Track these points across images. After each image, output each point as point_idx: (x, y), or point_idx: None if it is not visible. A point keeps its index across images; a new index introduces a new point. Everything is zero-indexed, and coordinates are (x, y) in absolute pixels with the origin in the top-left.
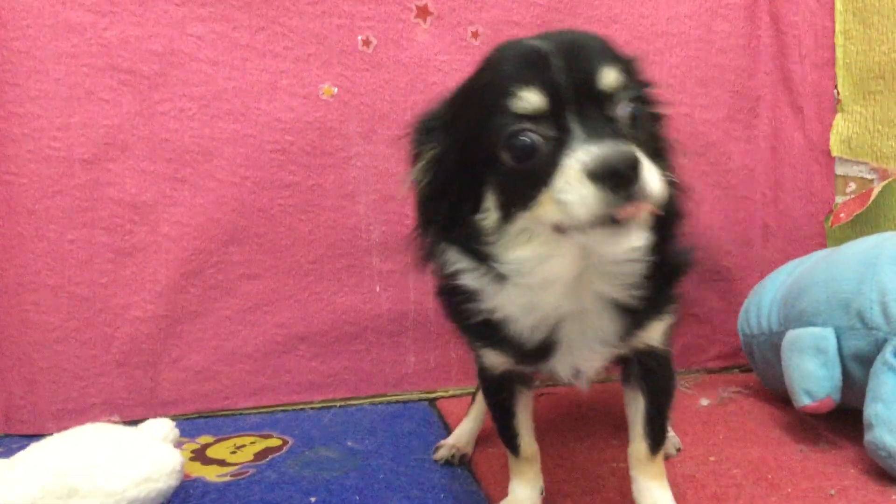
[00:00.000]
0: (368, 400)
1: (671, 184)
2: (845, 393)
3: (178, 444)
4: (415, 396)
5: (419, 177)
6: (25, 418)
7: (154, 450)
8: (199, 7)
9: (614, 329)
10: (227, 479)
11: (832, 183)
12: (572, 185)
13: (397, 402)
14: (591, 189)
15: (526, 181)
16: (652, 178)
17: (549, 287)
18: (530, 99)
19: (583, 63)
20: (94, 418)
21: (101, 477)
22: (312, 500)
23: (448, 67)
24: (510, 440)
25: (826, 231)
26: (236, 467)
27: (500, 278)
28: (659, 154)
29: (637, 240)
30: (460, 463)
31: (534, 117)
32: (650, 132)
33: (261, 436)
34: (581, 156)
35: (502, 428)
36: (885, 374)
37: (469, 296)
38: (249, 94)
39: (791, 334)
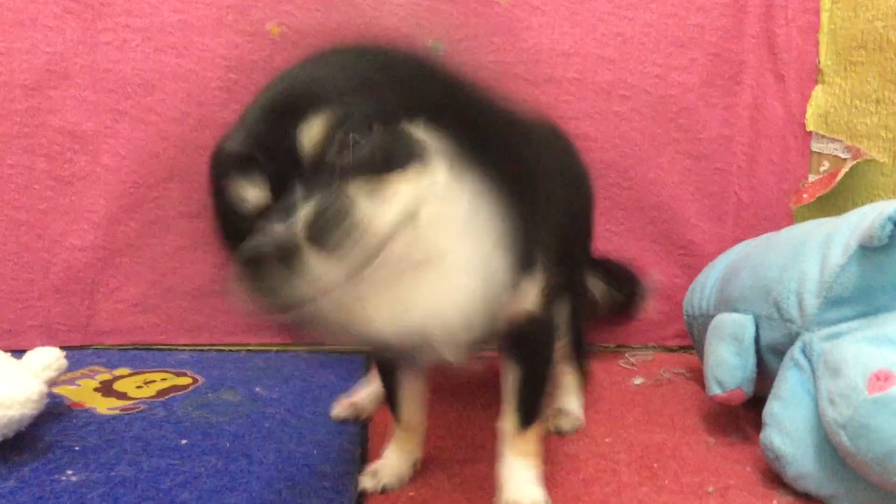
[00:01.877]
0: (307, 348)
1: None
2: (763, 385)
3: (91, 374)
4: (355, 349)
5: None
6: None
7: (12, 378)
8: None
9: None
10: (116, 412)
11: (807, 160)
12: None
13: (335, 352)
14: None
15: None
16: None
17: None
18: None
19: (285, 139)
20: (31, 341)
21: None
22: (183, 442)
23: (403, 11)
24: (393, 408)
25: (793, 211)
26: (132, 402)
27: None
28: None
29: None
30: (357, 420)
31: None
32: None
33: (175, 373)
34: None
35: (387, 395)
36: (788, 370)
37: None
38: (194, 29)
39: (716, 319)
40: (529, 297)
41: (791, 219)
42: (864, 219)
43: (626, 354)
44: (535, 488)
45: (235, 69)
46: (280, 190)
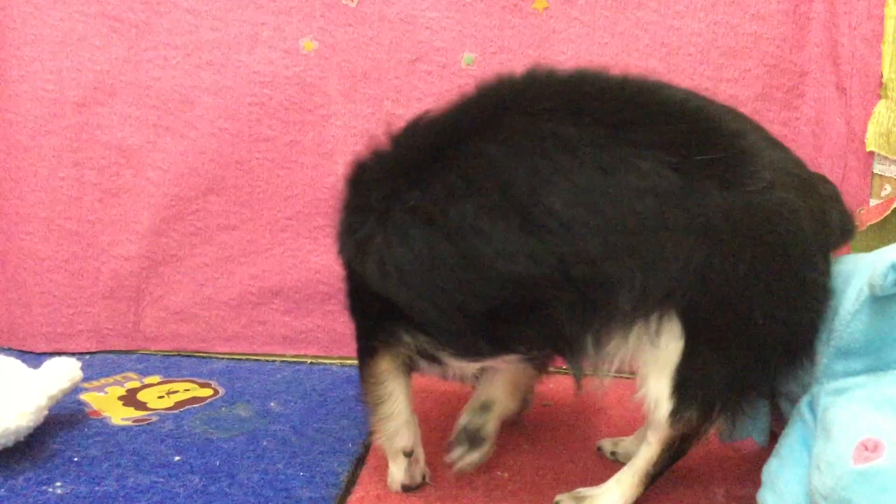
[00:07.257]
0: (339, 361)
1: None
2: None
3: (123, 382)
4: None
5: None
6: (23, 336)
7: (13, 389)
8: None
9: None
10: (128, 423)
11: (868, 182)
12: None
13: None
14: None
15: None
16: None
17: None
18: None
19: None
20: (82, 344)
21: None
22: (176, 458)
23: (436, 25)
24: None
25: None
26: (146, 413)
27: None
28: None
29: None
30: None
31: None
32: None
33: (200, 384)
34: None
35: None
36: (793, 425)
37: None
38: (230, 46)
39: None
40: None
41: (848, 248)
42: (880, 261)
43: None
44: None
45: (269, 85)
46: None
